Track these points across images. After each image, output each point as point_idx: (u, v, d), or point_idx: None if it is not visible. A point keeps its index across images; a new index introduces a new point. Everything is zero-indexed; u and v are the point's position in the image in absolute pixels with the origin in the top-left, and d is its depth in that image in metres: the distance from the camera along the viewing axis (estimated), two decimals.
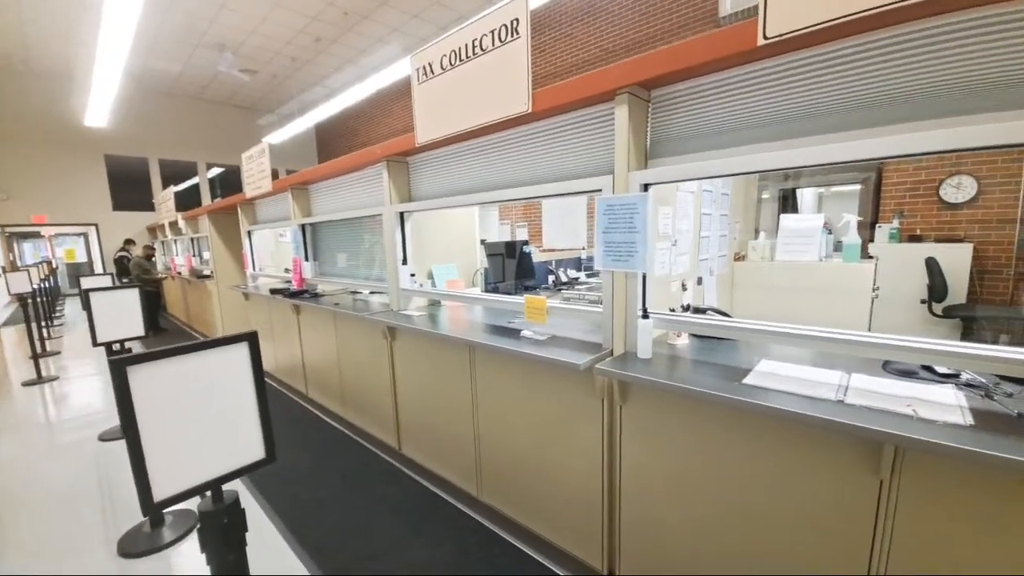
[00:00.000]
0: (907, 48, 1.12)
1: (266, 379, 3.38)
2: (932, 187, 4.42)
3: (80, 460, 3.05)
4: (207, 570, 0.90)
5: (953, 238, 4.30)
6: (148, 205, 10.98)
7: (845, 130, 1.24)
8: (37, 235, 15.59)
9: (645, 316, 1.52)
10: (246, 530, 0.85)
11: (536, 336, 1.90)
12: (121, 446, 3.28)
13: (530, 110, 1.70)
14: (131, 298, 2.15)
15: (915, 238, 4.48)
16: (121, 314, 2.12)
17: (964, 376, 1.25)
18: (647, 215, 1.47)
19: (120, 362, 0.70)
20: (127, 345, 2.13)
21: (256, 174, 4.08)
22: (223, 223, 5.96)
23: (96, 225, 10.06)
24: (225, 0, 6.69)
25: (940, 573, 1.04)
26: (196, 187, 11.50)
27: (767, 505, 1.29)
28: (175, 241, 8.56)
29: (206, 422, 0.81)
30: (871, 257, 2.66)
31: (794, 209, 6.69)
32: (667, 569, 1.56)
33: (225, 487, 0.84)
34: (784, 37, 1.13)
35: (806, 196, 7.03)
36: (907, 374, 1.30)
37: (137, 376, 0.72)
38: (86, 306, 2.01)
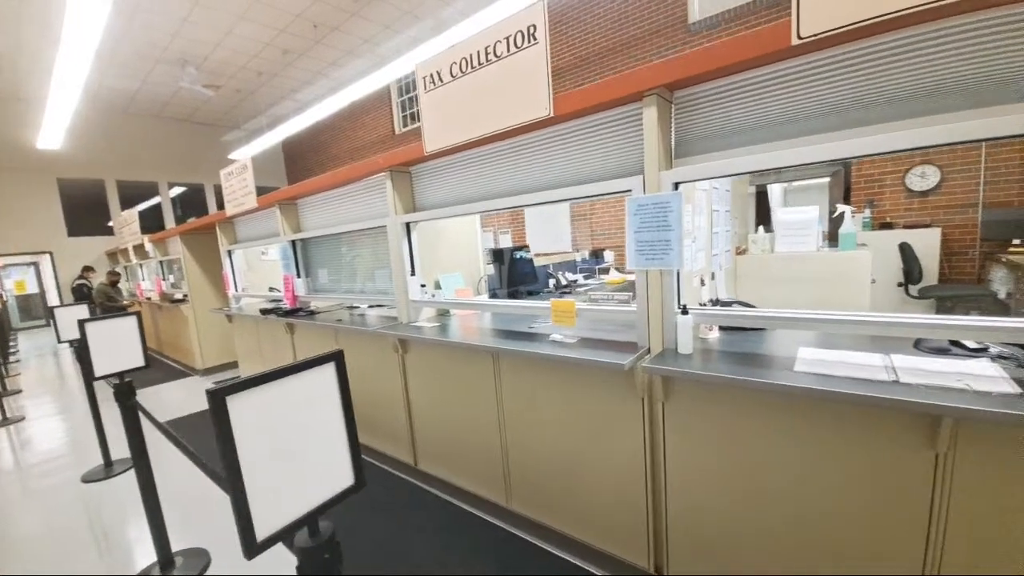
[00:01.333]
0: (921, 48, 1.18)
1: None
2: (898, 177, 4.69)
3: (67, 504, 2.84)
4: None
5: (921, 224, 4.57)
6: (105, 229, 10.39)
7: (861, 126, 1.30)
8: None
9: (684, 312, 1.54)
10: (341, 563, 0.80)
11: (565, 339, 1.89)
12: (107, 487, 3.07)
13: (552, 114, 1.70)
14: (129, 326, 2.02)
15: (886, 225, 4.74)
16: (120, 344, 1.99)
17: (993, 349, 1.32)
18: (681, 213, 1.50)
19: (219, 392, 0.65)
20: (127, 378, 1.99)
21: (238, 191, 3.93)
22: (196, 243, 5.71)
23: (51, 253, 9.42)
24: (187, 13, 6.45)
25: (998, 537, 1.09)
26: (157, 207, 10.98)
27: (823, 490, 1.32)
28: (140, 265, 8.13)
29: (299, 451, 0.76)
30: (863, 245, 2.81)
31: (767, 204, 6.95)
32: (719, 563, 1.57)
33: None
34: (818, 36, 1.18)
35: (775, 190, 7.34)
36: (941, 351, 1.36)
37: (234, 407, 0.67)
38: (82, 338, 1.87)
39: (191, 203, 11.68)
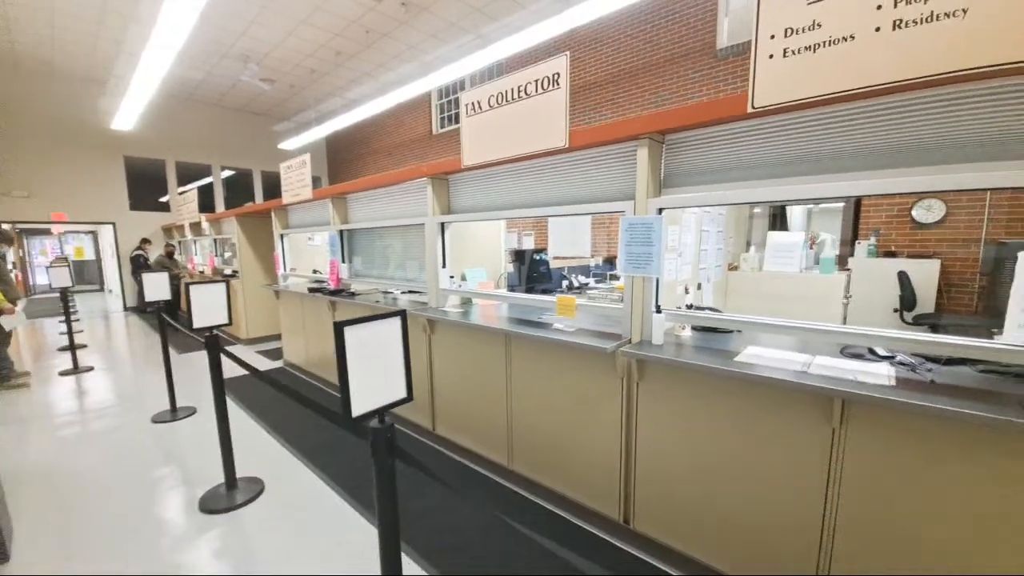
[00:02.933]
0: (860, 116, 1.55)
1: (297, 373, 3.78)
2: (905, 208, 4.90)
3: (141, 440, 3.40)
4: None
5: (923, 254, 4.77)
6: (159, 205, 11.28)
7: (818, 173, 1.67)
8: (46, 232, 15.88)
9: (658, 311, 1.93)
10: (396, 443, 1.25)
11: (566, 328, 2.30)
12: (173, 427, 3.63)
13: (567, 145, 2.12)
14: (219, 291, 2.53)
15: (890, 254, 4.96)
16: (212, 304, 2.51)
17: (898, 357, 1.67)
18: (661, 233, 1.89)
19: (341, 324, 1.10)
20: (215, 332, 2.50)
21: (295, 183, 4.47)
22: (250, 225, 6.34)
23: (113, 224, 10.35)
24: (256, 15, 7.11)
25: (879, 494, 1.46)
26: (208, 187, 11.83)
27: (752, 456, 1.70)
28: (194, 241, 8.89)
29: (376, 368, 1.21)
30: (847, 269, 3.10)
31: (783, 223, 7.17)
32: (673, 515, 1.96)
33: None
34: (768, 108, 1.56)
35: (795, 212, 7.53)
36: (857, 356, 1.72)
37: (348, 334, 1.12)
38: (186, 298, 2.39)
39: (237, 186, 12.51)
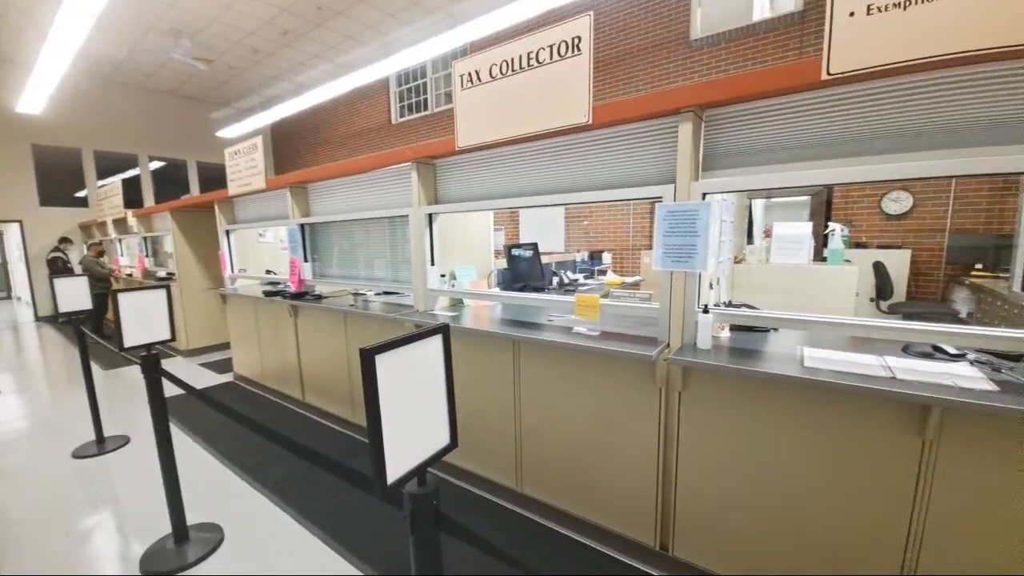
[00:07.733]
0: (926, 91, 1.36)
1: (250, 388, 3.21)
2: (875, 200, 5.03)
3: (60, 480, 2.81)
4: None
5: (893, 245, 4.91)
6: (75, 200, 9.93)
7: (869, 155, 1.48)
8: None
9: (706, 311, 1.69)
10: (441, 511, 0.91)
11: (590, 332, 2.02)
12: (101, 463, 3.04)
13: (590, 122, 1.83)
14: (158, 300, 2.04)
15: (860, 245, 5.08)
16: (148, 316, 2.01)
17: (970, 356, 1.52)
18: (708, 221, 1.65)
19: (370, 351, 0.75)
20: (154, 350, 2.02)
21: (244, 170, 3.91)
22: (186, 221, 5.59)
23: (20, 222, 8.97)
24: None
25: (973, 511, 1.28)
26: (134, 181, 10.56)
27: (819, 474, 1.49)
28: (119, 240, 7.85)
29: (413, 409, 0.87)
30: (848, 261, 3.05)
31: (749, 218, 7.28)
32: (722, 540, 1.73)
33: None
34: (846, 75, 1.34)
35: (757, 206, 7.70)
36: (926, 355, 1.56)
37: (380, 364, 0.77)
38: (115, 309, 1.90)
39: (166, 179, 11.20)
